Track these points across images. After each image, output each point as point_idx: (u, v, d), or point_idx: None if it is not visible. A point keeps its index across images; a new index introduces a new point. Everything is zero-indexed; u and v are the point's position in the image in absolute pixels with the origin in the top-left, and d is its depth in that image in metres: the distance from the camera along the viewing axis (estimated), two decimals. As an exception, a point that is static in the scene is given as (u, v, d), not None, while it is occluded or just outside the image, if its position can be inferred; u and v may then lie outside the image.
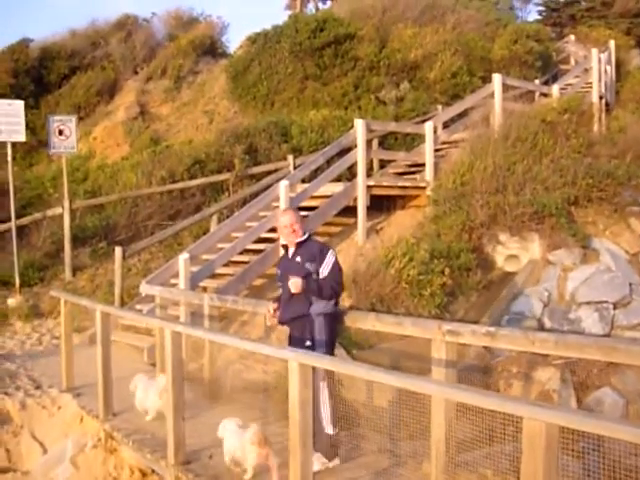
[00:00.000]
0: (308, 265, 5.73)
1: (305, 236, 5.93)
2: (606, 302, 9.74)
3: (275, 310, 5.97)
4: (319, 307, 5.71)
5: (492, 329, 4.37)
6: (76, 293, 12.36)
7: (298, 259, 5.82)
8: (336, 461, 5.45)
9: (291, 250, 5.95)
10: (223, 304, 7.32)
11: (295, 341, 5.68)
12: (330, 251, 5.87)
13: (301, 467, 4.04)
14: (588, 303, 9.80)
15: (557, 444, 2.85)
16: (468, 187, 11.58)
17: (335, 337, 5.95)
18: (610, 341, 4.06)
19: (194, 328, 5.56)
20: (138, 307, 10.70)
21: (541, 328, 9.77)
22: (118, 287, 11.27)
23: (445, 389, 3.23)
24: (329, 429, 5.48)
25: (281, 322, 5.94)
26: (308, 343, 5.57)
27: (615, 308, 9.74)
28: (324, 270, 5.72)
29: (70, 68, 21.81)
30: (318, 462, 5.28)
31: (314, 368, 4.27)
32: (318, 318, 5.69)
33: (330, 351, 5.65)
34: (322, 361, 3.97)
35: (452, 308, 10.51)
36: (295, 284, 5.60)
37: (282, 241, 6.10)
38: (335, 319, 5.90)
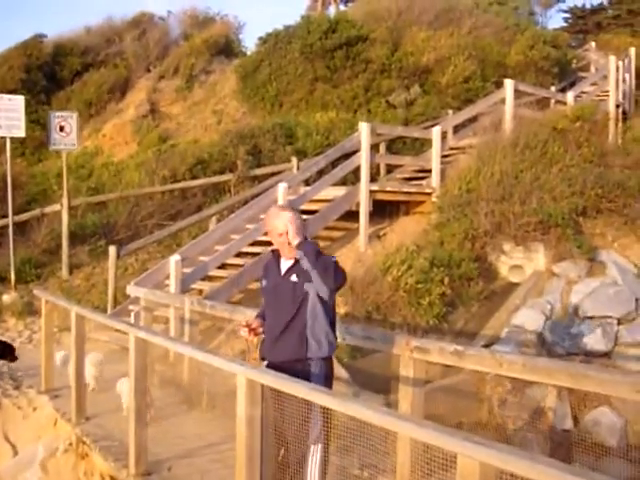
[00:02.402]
0: (307, 286, 4.38)
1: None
2: (610, 317, 9.38)
3: (253, 329, 4.58)
4: (316, 348, 4.41)
5: (460, 348, 4.08)
6: (72, 292, 12.21)
7: (294, 278, 4.45)
8: None
9: (285, 263, 4.55)
10: (202, 309, 7.08)
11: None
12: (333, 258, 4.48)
13: (246, 487, 3.79)
14: (591, 318, 9.44)
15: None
16: (474, 194, 11.29)
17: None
18: (582, 367, 3.75)
19: (154, 335, 5.30)
20: (130, 307, 10.50)
21: (542, 342, 9.45)
22: (111, 287, 11.08)
23: (375, 415, 2.94)
24: None
25: (264, 360, 4.51)
26: None
27: (619, 324, 9.38)
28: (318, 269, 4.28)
29: (83, 65, 21.74)
30: None
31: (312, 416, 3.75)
32: (316, 364, 4.41)
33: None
34: (267, 378, 3.70)
35: (451, 318, 10.21)
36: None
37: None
38: (332, 365, 4.60)
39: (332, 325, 4.51)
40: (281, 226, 4.42)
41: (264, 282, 4.68)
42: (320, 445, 4.27)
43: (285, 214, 4.50)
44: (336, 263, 4.38)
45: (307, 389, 3.38)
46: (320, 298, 4.38)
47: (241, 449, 3.79)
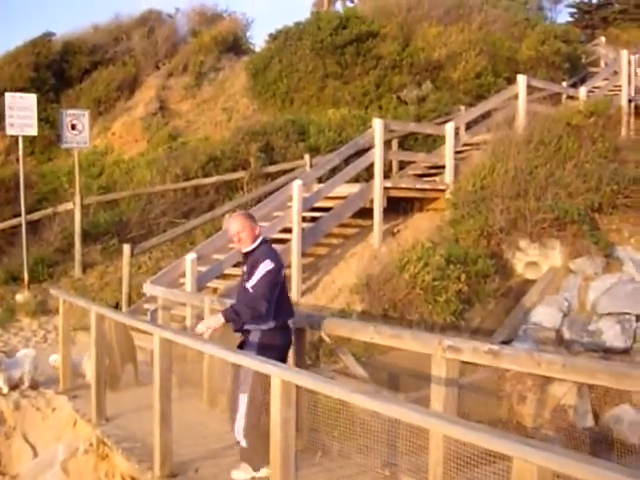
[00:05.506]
0: (247, 279, 5.08)
1: (255, 244, 5.20)
2: (628, 314, 9.29)
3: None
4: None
5: (495, 347, 4.02)
6: (85, 290, 12.18)
7: (245, 270, 5.18)
8: (262, 472, 4.98)
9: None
10: (222, 307, 7.01)
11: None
12: (267, 260, 5.00)
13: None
14: (609, 314, 9.36)
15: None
16: (488, 191, 11.20)
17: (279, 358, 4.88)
18: (623, 367, 3.70)
19: (181, 335, 5.26)
20: (146, 306, 10.48)
21: (560, 339, 9.38)
22: (126, 285, 11.05)
23: (421, 416, 2.89)
24: (242, 442, 5.15)
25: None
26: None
27: (638, 320, 9.29)
28: (251, 283, 4.97)
29: (92, 63, 21.68)
30: (245, 472, 5.16)
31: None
32: (253, 331, 5.10)
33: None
34: (302, 378, 3.65)
35: (468, 315, 10.15)
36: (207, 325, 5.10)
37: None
38: (281, 336, 5.17)
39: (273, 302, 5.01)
40: (232, 229, 5.33)
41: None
42: (247, 394, 5.01)
43: (237, 217, 5.49)
44: (265, 276, 4.98)
45: (346, 392, 3.32)
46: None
47: (275, 452, 3.74)
